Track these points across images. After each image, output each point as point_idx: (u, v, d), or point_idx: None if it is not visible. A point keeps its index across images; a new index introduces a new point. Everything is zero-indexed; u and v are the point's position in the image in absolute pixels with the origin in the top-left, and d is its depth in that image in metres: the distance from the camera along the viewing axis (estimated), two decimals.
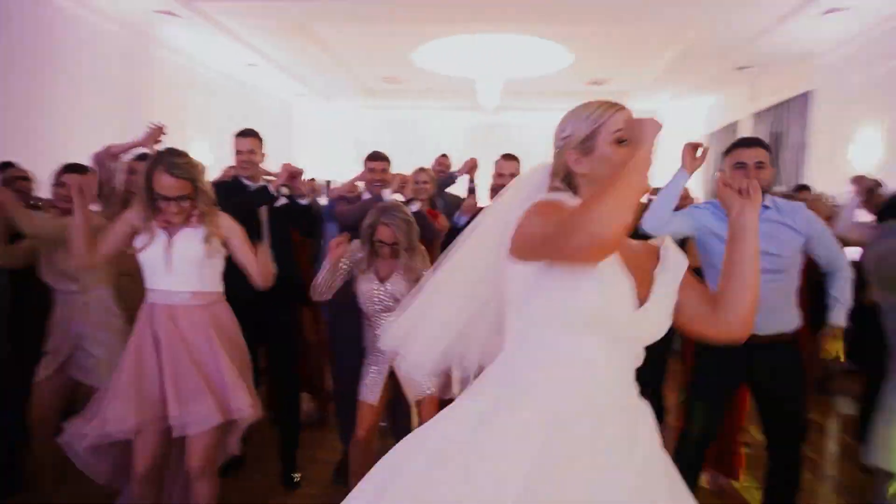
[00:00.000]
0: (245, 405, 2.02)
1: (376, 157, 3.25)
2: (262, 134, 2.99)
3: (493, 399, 1.15)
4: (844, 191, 4.03)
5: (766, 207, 2.24)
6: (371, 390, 2.42)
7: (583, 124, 1.18)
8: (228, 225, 2.15)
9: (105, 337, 2.41)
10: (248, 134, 2.92)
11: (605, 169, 1.15)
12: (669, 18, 6.74)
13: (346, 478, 2.60)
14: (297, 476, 2.98)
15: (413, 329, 1.32)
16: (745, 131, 8.56)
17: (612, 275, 1.12)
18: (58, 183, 2.48)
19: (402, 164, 4.07)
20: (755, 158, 2.25)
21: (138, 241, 2.03)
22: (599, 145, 1.16)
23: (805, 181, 6.35)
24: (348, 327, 2.60)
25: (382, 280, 2.42)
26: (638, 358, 1.20)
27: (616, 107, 1.17)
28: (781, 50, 6.94)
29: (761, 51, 7.04)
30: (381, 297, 2.41)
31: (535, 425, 1.08)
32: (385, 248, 2.38)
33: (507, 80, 9.04)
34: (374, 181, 3.21)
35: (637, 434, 1.15)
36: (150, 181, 1.97)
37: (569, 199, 1.17)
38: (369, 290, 2.41)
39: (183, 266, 2.01)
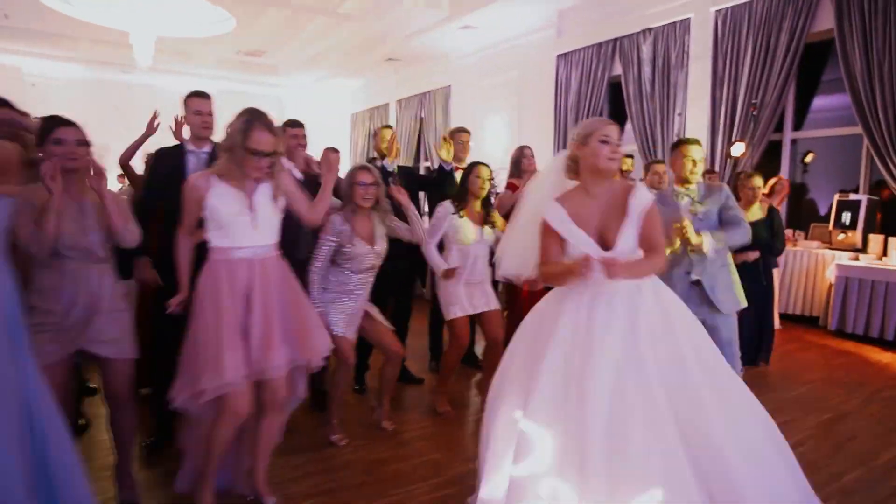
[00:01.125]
0: (325, 346, 2.20)
1: (296, 125, 3.09)
2: None
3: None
4: None
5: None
6: (350, 326, 2.69)
7: (583, 128, 1.89)
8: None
9: (122, 307, 2.22)
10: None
11: (589, 156, 1.86)
12: (333, 7, 7.44)
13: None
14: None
15: (504, 253, 2.20)
16: (394, 114, 10.06)
17: (575, 236, 1.86)
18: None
19: None
20: None
21: (228, 204, 2.03)
22: (591, 141, 1.87)
23: None
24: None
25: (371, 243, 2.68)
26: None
27: (607, 121, 1.90)
28: (427, 50, 8.53)
29: (409, 48, 8.49)
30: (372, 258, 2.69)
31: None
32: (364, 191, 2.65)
33: (160, 37, 8.18)
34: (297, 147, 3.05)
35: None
36: (247, 139, 1.98)
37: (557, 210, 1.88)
38: (363, 253, 2.66)
39: (267, 221, 2.09)
